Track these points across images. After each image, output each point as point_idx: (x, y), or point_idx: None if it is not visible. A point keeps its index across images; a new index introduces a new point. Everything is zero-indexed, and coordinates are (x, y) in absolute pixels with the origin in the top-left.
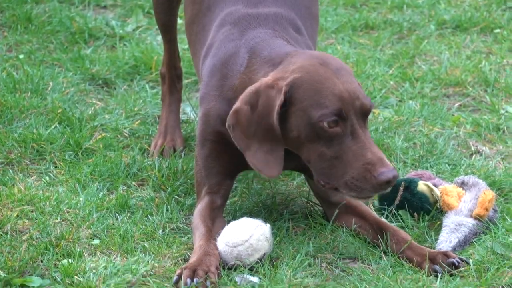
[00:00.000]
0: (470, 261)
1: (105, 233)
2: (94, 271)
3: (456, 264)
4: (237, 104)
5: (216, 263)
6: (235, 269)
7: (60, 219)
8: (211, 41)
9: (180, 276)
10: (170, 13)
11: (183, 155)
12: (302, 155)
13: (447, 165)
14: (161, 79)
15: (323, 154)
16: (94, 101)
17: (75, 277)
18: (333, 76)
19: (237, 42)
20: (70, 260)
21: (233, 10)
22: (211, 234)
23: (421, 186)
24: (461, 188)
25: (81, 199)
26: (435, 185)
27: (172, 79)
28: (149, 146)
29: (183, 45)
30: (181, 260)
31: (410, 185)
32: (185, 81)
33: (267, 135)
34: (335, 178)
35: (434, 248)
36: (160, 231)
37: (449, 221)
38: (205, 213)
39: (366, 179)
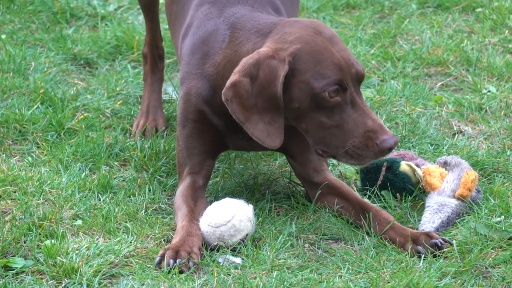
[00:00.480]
0: (454, 242)
1: (88, 214)
2: (77, 251)
3: (439, 245)
4: (233, 77)
5: (199, 244)
6: (218, 250)
7: (42, 199)
8: (190, 20)
9: (162, 256)
10: None
11: (165, 135)
12: (300, 126)
13: (429, 145)
14: (143, 59)
15: (324, 124)
16: (76, 81)
17: (58, 257)
18: (329, 45)
19: (216, 20)
20: (53, 240)
21: None
22: (194, 214)
23: (404, 166)
24: (444, 169)
25: (63, 179)
26: (417, 165)
27: (154, 59)
28: (131, 126)
29: (164, 25)
30: (164, 240)
31: (393, 165)
32: (166, 61)
33: (268, 106)
34: (335, 147)
35: (417, 229)
36: (143, 211)
37: (432, 201)
38: (187, 194)
39: (368, 146)
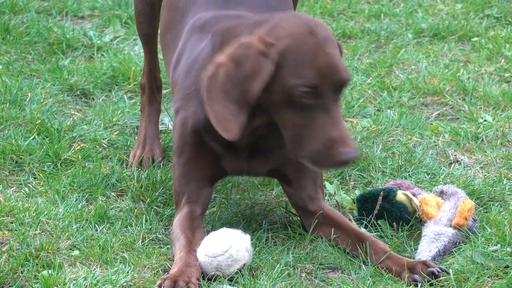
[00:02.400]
0: (450, 270)
1: (85, 244)
2: (74, 282)
3: (436, 273)
4: (222, 57)
5: (197, 274)
6: (215, 280)
7: (39, 230)
8: (181, 47)
9: (160, 286)
10: (152, 24)
11: (161, 166)
12: (276, 119)
13: (426, 174)
14: (141, 89)
15: (293, 122)
16: (72, 112)
17: None
18: (318, 47)
19: (206, 40)
20: (50, 271)
21: (203, 15)
22: (192, 245)
23: (400, 195)
24: (440, 198)
25: (60, 210)
26: (414, 195)
27: (152, 90)
28: (128, 156)
29: (161, 54)
30: (161, 270)
31: (389, 194)
32: (163, 91)
33: (239, 99)
34: (301, 148)
35: (413, 258)
36: (140, 241)
37: (428, 230)
38: (185, 224)
39: (328, 155)
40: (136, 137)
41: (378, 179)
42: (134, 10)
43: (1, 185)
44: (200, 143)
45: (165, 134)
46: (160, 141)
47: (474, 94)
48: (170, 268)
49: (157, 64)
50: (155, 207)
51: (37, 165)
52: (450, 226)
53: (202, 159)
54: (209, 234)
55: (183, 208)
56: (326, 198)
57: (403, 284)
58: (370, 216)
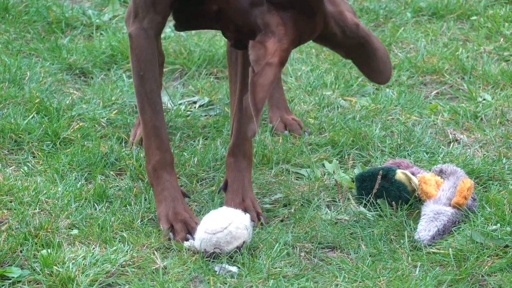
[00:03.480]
0: (450, 250)
1: (84, 223)
2: (73, 261)
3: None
4: None
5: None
6: (214, 258)
7: (38, 209)
8: None
9: (172, 229)
10: None
11: None
12: None
13: (425, 153)
14: None
15: None
16: (71, 91)
17: (54, 267)
18: None
19: None
20: (49, 250)
21: None
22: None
23: (399, 174)
24: (439, 177)
25: (59, 189)
26: (413, 174)
27: None
28: (128, 136)
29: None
30: (162, 248)
31: (388, 173)
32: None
33: None
34: None
35: (413, 237)
36: (139, 221)
37: (427, 210)
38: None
39: None
40: (136, 116)
41: (377, 158)
42: None
43: (0, 164)
44: None
45: (165, 113)
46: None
47: (473, 73)
48: (169, 248)
49: (159, 39)
50: None
51: (36, 144)
52: (450, 205)
53: None
54: (209, 212)
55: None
56: (325, 177)
57: (402, 263)
58: (369, 195)
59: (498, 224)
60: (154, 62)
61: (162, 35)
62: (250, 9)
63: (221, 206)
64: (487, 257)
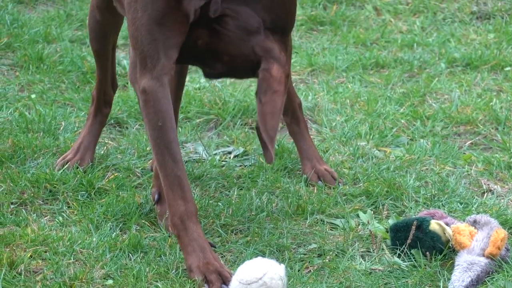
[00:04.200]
0: None
1: (119, 273)
2: None
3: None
4: None
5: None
6: None
7: (73, 259)
8: None
9: (208, 281)
10: (103, 42)
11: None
12: None
13: (459, 203)
14: (92, 100)
15: None
16: (106, 141)
17: None
18: None
19: None
20: None
21: None
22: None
23: (433, 225)
24: (473, 227)
25: (94, 239)
26: (447, 224)
27: (100, 102)
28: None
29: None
30: None
31: (422, 224)
32: (196, 120)
33: None
34: None
35: (447, 287)
36: (173, 271)
37: (461, 260)
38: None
39: None
40: (72, 144)
41: (411, 208)
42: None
43: (35, 214)
44: None
45: (199, 163)
46: (194, 169)
47: (507, 123)
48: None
49: (108, 80)
50: None
51: (71, 194)
52: (483, 255)
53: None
54: (244, 263)
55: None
56: (359, 227)
57: None
58: (404, 245)
59: None
60: (171, 111)
61: (197, 85)
62: (247, 38)
63: (255, 257)
64: None
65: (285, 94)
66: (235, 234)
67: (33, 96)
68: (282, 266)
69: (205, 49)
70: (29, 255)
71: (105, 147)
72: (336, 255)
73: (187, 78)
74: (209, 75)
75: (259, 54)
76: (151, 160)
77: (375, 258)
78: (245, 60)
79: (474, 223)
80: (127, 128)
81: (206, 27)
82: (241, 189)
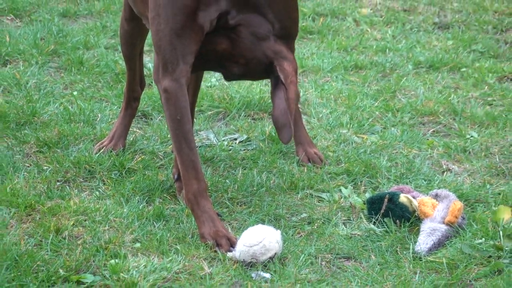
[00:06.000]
0: (444, 259)
1: (145, 238)
2: (136, 269)
3: None
4: None
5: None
6: (251, 267)
7: (108, 226)
8: None
9: (218, 245)
10: (131, 48)
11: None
12: None
13: (423, 180)
14: (123, 96)
15: None
16: (134, 130)
17: (121, 274)
18: None
19: None
20: (116, 260)
21: None
22: (200, 168)
23: (402, 198)
24: (435, 200)
25: (125, 210)
26: (413, 197)
27: (129, 98)
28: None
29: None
30: (208, 258)
31: (393, 197)
32: (208, 113)
33: None
34: None
35: (414, 249)
36: (190, 236)
37: (425, 226)
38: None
39: None
40: (108, 133)
41: (384, 184)
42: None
43: (76, 190)
44: None
45: (210, 147)
46: (206, 153)
47: (463, 114)
48: (214, 258)
49: (137, 79)
50: None
51: (106, 173)
52: (443, 223)
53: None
54: (247, 229)
55: (179, 67)
56: (341, 200)
57: (405, 269)
58: (378, 215)
59: (483, 239)
60: (188, 106)
61: (209, 84)
62: (258, 43)
63: (256, 224)
64: (474, 265)
65: (297, 84)
66: (239, 206)
67: (75, 93)
68: (279, 231)
69: (225, 54)
70: (71, 223)
71: (133, 135)
72: (323, 223)
73: None
74: (229, 77)
75: (271, 56)
76: (171, 146)
77: (354, 225)
78: (258, 62)
79: (436, 196)
80: (151, 119)
81: (224, 36)
82: (244, 169)
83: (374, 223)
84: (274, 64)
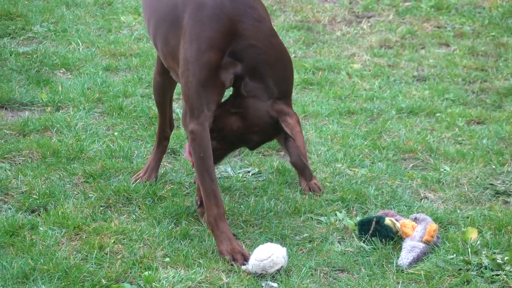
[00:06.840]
0: (422, 272)
1: (173, 253)
2: (166, 279)
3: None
4: None
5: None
6: (262, 277)
7: (142, 244)
8: None
9: (234, 259)
10: (163, 96)
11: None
12: None
13: (404, 206)
14: (156, 136)
15: None
16: (165, 164)
17: (153, 283)
18: None
19: None
20: (149, 272)
21: None
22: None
23: (387, 221)
24: (414, 222)
25: (157, 230)
26: (396, 220)
27: (160, 138)
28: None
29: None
30: (226, 270)
31: (380, 220)
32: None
33: None
34: None
35: (397, 263)
36: (210, 252)
37: (406, 244)
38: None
39: None
40: (143, 166)
41: (372, 209)
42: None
43: (117, 213)
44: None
45: (228, 179)
46: (225, 183)
47: (437, 152)
48: (231, 270)
49: (167, 122)
50: None
51: (141, 200)
52: (421, 241)
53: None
54: (258, 246)
55: (204, 113)
56: (337, 222)
57: (389, 280)
58: (367, 235)
59: (454, 254)
60: (210, 146)
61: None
62: (263, 109)
63: (266, 242)
64: (447, 277)
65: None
66: (252, 227)
67: (115, 133)
68: (284, 248)
69: (240, 128)
70: (112, 241)
71: (164, 168)
72: (321, 241)
73: None
74: (253, 146)
75: (275, 116)
76: (195, 177)
77: (347, 243)
78: (269, 124)
79: (415, 219)
80: (179, 155)
81: (233, 115)
82: (256, 196)
83: (364, 242)
84: (280, 121)
